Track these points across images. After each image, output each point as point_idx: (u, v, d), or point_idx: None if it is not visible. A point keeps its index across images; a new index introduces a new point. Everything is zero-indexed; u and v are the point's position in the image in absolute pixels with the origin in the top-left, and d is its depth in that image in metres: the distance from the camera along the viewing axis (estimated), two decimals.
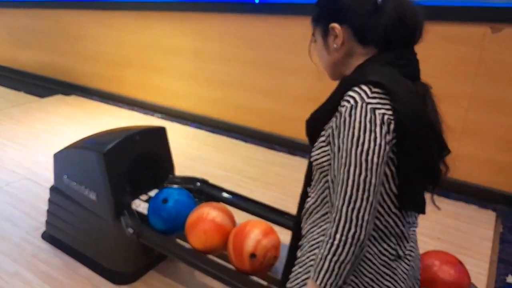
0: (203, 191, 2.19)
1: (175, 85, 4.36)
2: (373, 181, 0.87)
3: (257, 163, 3.37)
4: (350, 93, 0.92)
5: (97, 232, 2.15)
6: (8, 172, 3.24)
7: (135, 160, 2.06)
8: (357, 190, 0.88)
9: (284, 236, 1.76)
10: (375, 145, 0.87)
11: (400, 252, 1.01)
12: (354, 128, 0.88)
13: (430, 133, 0.96)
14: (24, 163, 3.39)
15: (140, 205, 2.04)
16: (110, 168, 1.96)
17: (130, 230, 1.93)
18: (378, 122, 0.88)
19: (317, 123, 1.01)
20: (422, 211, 1.00)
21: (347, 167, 0.88)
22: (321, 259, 0.92)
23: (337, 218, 0.89)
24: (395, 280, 1.00)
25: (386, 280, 0.99)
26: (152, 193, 2.13)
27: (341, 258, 0.89)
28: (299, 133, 3.47)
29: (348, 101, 0.90)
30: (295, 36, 3.30)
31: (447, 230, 2.52)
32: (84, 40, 4.98)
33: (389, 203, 0.95)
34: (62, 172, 2.24)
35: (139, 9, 4.29)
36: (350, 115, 0.89)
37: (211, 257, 1.75)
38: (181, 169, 2.46)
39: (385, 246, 0.98)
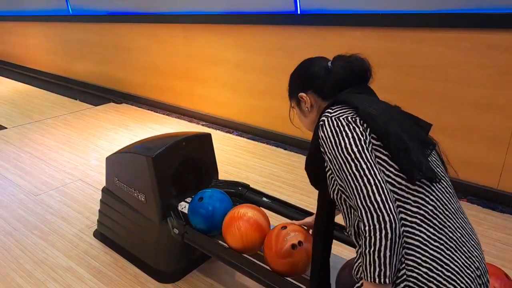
0: (244, 195, 2.25)
1: (218, 94, 4.49)
2: (364, 166, 0.98)
3: (296, 170, 3.40)
4: (320, 119, 1.11)
5: (144, 232, 2.26)
6: (64, 174, 3.46)
7: (181, 164, 2.15)
8: (357, 180, 0.97)
9: None
10: (348, 139, 1.01)
11: (452, 235, 0.98)
12: (329, 137, 1.04)
13: (402, 118, 1.09)
14: (78, 166, 3.61)
15: (186, 207, 2.12)
16: (159, 171, 2.06)
17: (176, 231, 2.02)
18: (344, 122, 1.04)
19: (312, 163, 1.17)
20: (433, 175, 1.02)
21: (341, 168, 1.01)
22: (363, 257, 0.95)
23: (359, 214, 0.96)
24: (457, 272, 0.95)
25: (447, 270, 0.95)
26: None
27: (377, 246, 0.91)
28: None
29: (319, 124, 1.09)
30: (334, 46, 3.33)
31: (493, 242, 2.43)
32: (134, 51, 5.23)
33: (402, 182, 1.00)
34: (113, 175, 2.37)
35: (184, 22, 4.46)
36: (324, 131, 1.06)
37: (251, 258, 1.80)
38: (223, 174, 2.53)
39: (432, 230, 0.97)
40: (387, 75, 3.09)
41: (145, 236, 2.27)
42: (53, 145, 4.10)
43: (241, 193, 2.26)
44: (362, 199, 0.95)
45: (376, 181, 0.95)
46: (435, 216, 1.00)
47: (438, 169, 1.09)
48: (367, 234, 0.93)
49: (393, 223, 0.92)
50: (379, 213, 0.92)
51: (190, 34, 4.49)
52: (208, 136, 2.31)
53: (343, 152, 1.00)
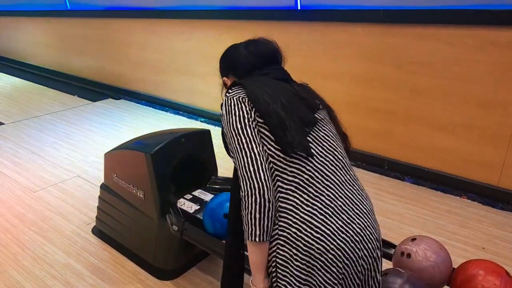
0: None
1: (217, 91, 4.45)
2: (243, 140, 1.11)
3: None
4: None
5: (143, 229, 2.25)
6: (63, 170, 3.45)
7: (180, 161, 2.14)
8: (237, 152, 1.11)
9: None
10: (236, 116, 1.14)
11: (329, 203, 1.10)
12: (224, 114, 1.18)
13: (292, 100, 1.19)
14: (76, 162, 3.59)
15: (184, 204, 2.11)
16: (157, 168, 2.04)
17: (175, 228, 2.01)
18: (234, 102, 1.17)
19: (222, 136, 1.24)
20: (306, 152, 1.12)
21: (230, 142, 1.14)
22: (242, 219, 1.10)
23: (240, 182, 1.10)
24: (328, 234, 1.07)
25: (316, 232, 1.07)
26: (196, 193, 2.20)
27: (249, 209, 1.06)
28: None
29: (221, 103, 1.22)
30: (334, 42, 3.30)
31: (492, 240, 2.43)
32: (133, 47, 5.20)
33: (280, 154, 1.11)
34: (111, 171, 2.35)
35: (183, 17, 4.43)
36: (222, 109, 1.20)
37: None
38: (222, 171, 2.52)
39: (306, 196, 1.10)
40: (388, 71, 3.07)
41: (143, 233, 2.26)
42: (51, 141, 4.08)
43: None
44: (241, 169, 1.08)
45: (252, 153, 1.09)
46: (311, 185, 1.11)
47: (324, 144, 1.18)
48: (243, 199, 1.07)
49: (261, 189, 1.06)
50: (250, 181, 1.06)
51: (189, 30, 4.46)
52: (207, 132, 2.30)
53: (231, 128, 1.13)
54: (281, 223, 1.09)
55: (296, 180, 1.11)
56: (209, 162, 2.33)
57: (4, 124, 4.63)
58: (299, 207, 1.09)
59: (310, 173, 1.12)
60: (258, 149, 1.10)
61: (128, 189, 2.23)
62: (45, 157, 3.70)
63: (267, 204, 1.06)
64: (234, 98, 1.18)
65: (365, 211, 1.17)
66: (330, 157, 1.17)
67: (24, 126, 4.54)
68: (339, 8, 3.23)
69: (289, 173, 1.11)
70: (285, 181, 1.11)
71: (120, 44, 5.36)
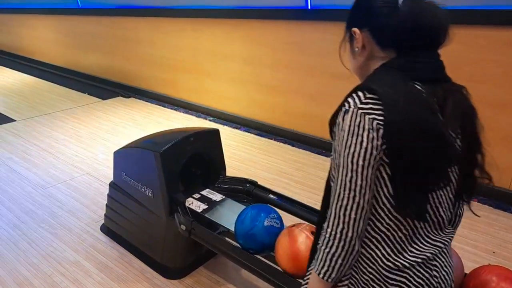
0: (252, 192, 2.23)
1: (226, 89, 4.47)
2: (358, 182, 0.92)
3: (303, 167, 3.37)
4: (348, 98, 0.95)
5: (151, 227, 2.26)
6: (72, 168, 3.47)
7: (189, 160, 2.14)
8: (344, 189, 0.94)
9: None
10: (360, 148, 0.91)
11: (410, 258, 0.99)
12: (344, 131, 0.93)
13: (430, 139, 0.92)
14: (86, 160, 3.61)
15: (193, 203, 2.11)
16: (166, 167, 2.05)
17: (183, 227, 2.01)
18: (366, 126, 0.90)
19: (331, 124, 1.04)
20: (419, 218, 0.97)
21: (338, 168, 0.95)
22: (318, 249, 1.00)
23: (329, 213, 0.98)
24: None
25: (391, 285, 0.99)
26: (205, 192, 2.20)
27: (332, 250, 0.96)
28: None
29: (344, 105, 0.95)
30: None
31: (503, 244, 2.39)
32: (142, 45, 5.22)
33: (389, 206, 0.96)
34: (120, 169, 2.36)
35: (193, 16, 4.43)
36: (343, 119, 0.93)
37: (258, 256, 1.78)
38: (231, 170, 2.52)
39: (388, 250, 0.99)
40: None
41: (152, 231, 2.27)
42: (61, 138, 4.12)
43: (248, 190, 2.24)
44: (338, 206, 0.95)
45: (360, 200, 0.93)
46: (400, 242, 0.99)
47: (437, 203, 1.00)
48: (328, 236, 0.97)
49: (354, 240, 0.95)
50: (344, 227, 0.94)
51: (198, 28, 4.47)
52: (216, 131, 2.29)
53: (349, 157, 0.92)
54: (354, 268, 1.02)
55: (388, 233, 0.98)
56: (218, 161, 2.33)
57: (15, 121, 4.68)
58: (378, 259, 0.99)
59: (405, 232, 0.98)
60: (369, 196, 0.94)
61: (137, 187, 2.23)
62: (55, 154, 3.73)
63: (354, 254, 0.97)
64: (367, 118, 0.90)
65: (447, 283, 1.06)
66: (437, 218, 1.02)
67: (35, 123, 4.59)
68: (349, 8, 3.21)
69: (384, 224, 0.98)
70: (375, 229, 0.98)
71: (130, 42, 5.39)
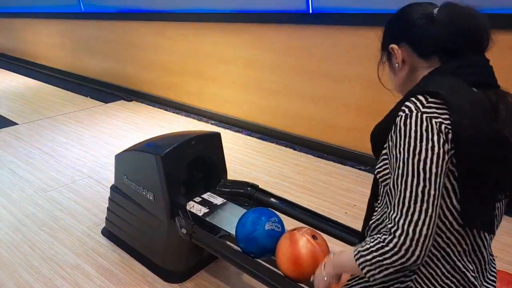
0: (253, 196, 2.23)
1: (228, 93, 4.47)
2: (432, 192, 0.83)
3: (305, 170, 3.37)
4: (406, 103, 0.90)
5: (152, 231, 2.25)
6: (73, 171, 3.48)
7: (190, 163, 2.14)
8: (415, 202, 0.84)
9: (331, 244, 1.76)
10: (432, 154, 0.83)
11: (470, 276, 0.94)
12: (410, 137, 0.85)
13: (498, 146, 0.87)
14: (88, 163, 3.62)
15: (194, 207, 2.11)
16: (167, 170, 2.05)
17: (184, 231, 2.00)
18: (435, 130, 0.84)
19: (378, 135, 0.99)
20: (489, 230, 0.92)
21: (404, 178, 0.85)
22: (369, 248, 0.91)
23: (393, 229, 0.87)
24: None
25: None
26: (206, 196, 2.20)
27: (385, 262, 0.88)
28: (349, 142, 3.45)
29: (403, 111, 0.88)
30: (346, 45, 3.28)
31: (506, 248, 2.38)
32: (145, 49, 5.24)
33: (451, 219, 0.89)
34: (122, 173, 2.36)
35: (195, 20, 4.45)
36: (405, 124, 0.86)
37: (259, 261, 1.78)
38: (231, 173, 2.52)
39: (448, 267, 0.93)
40: None
41: (153, 235, 2.27)
42: (63, 142, 4.13)
43: (250, 194, 2.24)
44: (407, 222, 0.85)
45: (433, 214, 0.84)
46: (460, 259, 0.94)
47: (498, 215, 0.96)
48: (387, 248, 0.87)
49: (419, 259, 0.85)
50: (412, 245, 0.84)
51: (200, 32, 4.48)
52: (218, 135, 2.29)
53: (418, 164, 0.83)
54: (409, 283, 0.96)
55: (448, 249, 0.93)
56: (219, 164, 2.32)
57: (18, 124, 4.70)
58: (437, 278, 0.94)
59: (465, 247, 0.93)
60: (438, 208, 0.86)
61: (138, 191, 2.24)
62: (57, 158, 3.74)
63: (409, 269, 0.92)
64: (434, 122, 0.85)
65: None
66: (495, 229, 0.99)
67: (37, 126, 4.60)
68: (351, 12, 3.21)
69: (444, 239, 0.92)
70: (435, 245, 0.92)
71: (132, 46, 5.41)
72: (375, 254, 0.89)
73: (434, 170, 0.83)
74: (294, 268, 1.61)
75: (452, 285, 0.93)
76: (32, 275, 2.26)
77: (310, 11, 3.44)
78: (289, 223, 1.99)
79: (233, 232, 1.87)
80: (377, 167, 1.00)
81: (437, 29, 0.93)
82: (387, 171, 0.96)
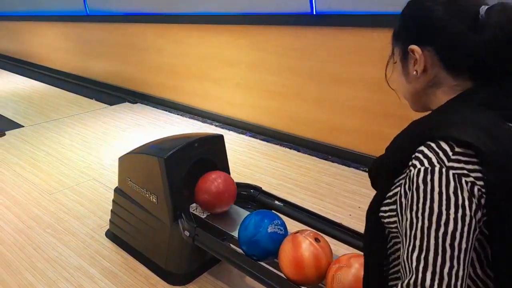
0: (256, 198, 2.22)
1: (232, 95, 4.48)
2: (460, 273, 0.62)
3: (309, 172, 3.36)
4: (424, 150, 0.68)
5: (156, 233, 2.26)
6: (78, 173, 3.49)
7: (193, 165, 2.14)
8: (435, 263, 0.63)
9: (335, 247, 1.75)
10: (463, 225, 0.63)
11: None
12: (432, 200, 0.64)
13: None
14: (92, 165, 3.63)
15: (197, 209, 2.11)
16: (171, 173, 2.05)
17: (187, 233, 2.00)
18: (466, 194, 0.64)
19: (378, 173, 0.81)
20: None
21: (424, 254, 0.64)
22: None
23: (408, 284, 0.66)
24: None
25: None
26: None
27: None
28: (353, 144, 3.43)
29: (422, 162, 0.67)
30: (350, 47, 3.27)
31: None
32: (149, 51, 5.26)
33: (486, 279, 0.70)
34: (125, 175, 2.37)
35: (198, 22, 4.46)
36: (425, 183, 0.66)
37: (262, 264, 1.77)
38: (235, 175, 2.51)
39: None
40: None
41: (156, 237, 2.27)
42: (68, 144, 4.15)
43: (253, 196, 2.23)
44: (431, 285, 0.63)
45: (457, 283, 0.62)
46: None
47: None
48: None
49: None
50: None
51: (204, 35, 4.49)
52: (221, 137, 2.29)
53: (444, 238, 0.63)
54: None
55: None
56: (222, 167, 2.32)
57: (24, 126, 4.73)
58: None
59: None
60: (465, 273, 0.64)
61: (141, 193, 2.24)
62: (62, 160, 3.76)
63: None
64: (462, 180, 0.65)
65: None
66: None
67: (42, 128, 4.63)
68: (355, 14, 3.20)
69: None
70: None
71: (136, 49, 5.43)
72: None
73: (464, 246, 0.63)
74: (296, 271, 1.60)
75: None
76: (36, 276, 2.27)
77: (314, 13, 3.44)
78: (292, 225, 1.98)
79: (235, 234, 1.87)
80: (382, 209, 0.78)
81: (483, 39, 0.70)
82: (393, 219, 0.76)
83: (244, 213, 2.08)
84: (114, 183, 2.57)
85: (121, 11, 5.40)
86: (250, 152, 3.82)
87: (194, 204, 2.14)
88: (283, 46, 3.80)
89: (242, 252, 1.82)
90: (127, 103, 5.51)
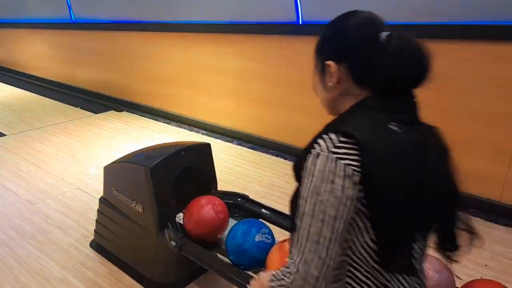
0: (243, 207, 2.22)
1: (219, 103, 4.47)
2: (327, 235, 0.82)
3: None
4: (319, 140, 0.87)
5: (141, 243, 2.22)
6: (62, 182, 3.43)
7: (180, 174, 2.12)
8: (307, 242, 0.83)
9: None
10: (333, 198, 0.81)
11: None
12: (314, 176, 0.83)
13: (415, 189, 0.85)
14: (77, 174, 3.58)
15: (184, 218, 2.09)
16: (156, 182, 2.03)
17: (173, 243, 1.98)
18: (340, 173, 0.81)
19: (297, 168, 0.94)
20: (406, 271, 0.90)
21: (304, 216, 0.84)
22: (276, 275, 0.90)
23: (289, 263, 0.86)
24: None
25: None
26: None
27: None
28: None
29: (314, 147, 0.86)
30: None
31: (496, 257, 2.39)
32: (135, 59, 5.23)
33: (366, 256, 0.87)
34: (111, 184, 2.34)
35: (185, 31, 4.46)
36: (313, 164, 0.85)
37: (249, 273, 1.76)
38: (222, 184, 2.51)
39: None
40: None
41: (142, 247, 2.24)
42: (52, 153, 4.08)
43: (240, 204, 2.23)
44: (299, 259, 0.84)
45: (327, 257, 0.82)
46: None
47: (417, 251, 0.94)
48: (285, 282, 0.86)
49: None
50: (305, 285, 0.83)
51: (192, 43, 4.49)
52: (207, 145, 2.29)
53: (318, 206, 0.82)
54: None
55: (369, 282, 0.90)
56: (209, 175, 2.31)
57: (6, 135, 4.64)
58: None
59: (385, 282, 0.90)
60: (336, 252, 0.84)
61: (127, 202, 2.21)
62: (46, 169, 3.70)
63: None
64: (341, 164, 0.82)
65: None
66: (418, 266, 0.96)
67: (26, 137, 4.55)
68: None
69: (363, 272, 0.89)
70: (356, 280, 0.90)
71: (123, 57, 5.40)
72: (278, 283, 0.88)
73: (332, 213, 0.81)
74: None
75: None
76: None
77: (300, 22, 3.47)
78: (280, 233, 1.98)
79: (223, 243, 1.85)
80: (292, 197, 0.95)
81: (385, 62, 0.86)
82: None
83: (231, 222, 2.07)
84: (99, 192, 2.54)
85: (106, 19, 5.37)
86: (237, 160, 3.82)
87: (180, 214, 2.12)
88: (270, 54, 3.82)
89: (229, 262, 1.81)
90: (112, 111, 5.46)
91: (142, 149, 2.44)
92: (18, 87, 6.97)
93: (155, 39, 4.88)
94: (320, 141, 0.86)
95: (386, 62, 0.87)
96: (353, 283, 0.90)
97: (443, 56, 2.86)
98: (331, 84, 0.95)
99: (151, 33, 4.89)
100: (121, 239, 2.35)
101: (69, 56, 6.39)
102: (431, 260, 1.55)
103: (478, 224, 2.71)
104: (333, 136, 0.86)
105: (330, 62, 0.93)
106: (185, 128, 4.75)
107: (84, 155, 4.03)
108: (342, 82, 0.94)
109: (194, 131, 4.64)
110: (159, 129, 4.76)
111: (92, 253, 2.51)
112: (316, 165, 0.84)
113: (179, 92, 4.87)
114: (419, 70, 0.88)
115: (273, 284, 0.90)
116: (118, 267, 2.37)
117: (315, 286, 0.83)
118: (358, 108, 0.91)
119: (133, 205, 2.17)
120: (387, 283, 0.89)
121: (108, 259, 2.44)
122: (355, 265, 0.89)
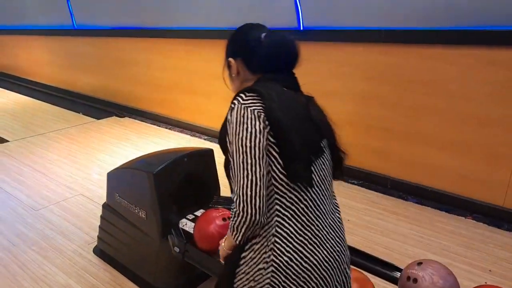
0: None
1: (220, 108, 4.45)
2: (249, 161, 1.08)
3: None
4: (233, 100, 1.16)
5: (144, 249, 2.23)
6: (65, 188, 3.44)
7: (183, 180, 2.13)
8: (239, 171, 1.09)
9: None
10: (247, 132, 1.09)
11: (318, 233, 1.14)
12: (233, 123, 1.11)
13: (304, 120, 1.17)
14: (80, 180, 3.58)
15: (186, 225, 2.09)
16: (160, 188, 2.04)
17: (177, 249, 1.98)
18: (249, 115, 1.10)
19: (222, 135, 1.19)
20: (308, 183, 1.14)
21: (233, 155, 1.11)
22: (230, 221, 1.15)
23: (233, 197, 1.11)
24: (314, 265, 1.12)
25: (305, 262, 1.12)
26: (198, 213, 2.18)
27: (237, 225, 1.11)
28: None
29: (231, 106, 1.15)
30: (336, 61, 3.33)
31: (499, 262, 2.38)
32: (137, 65, 5.25)
33: (284, 179, 1.12)
34: (114, 190, 2.34)
35: (186, 37, 4.49)
36: (231, 115, 1.13)
37: None
38: (225, 189, 2.51)
39: (299, 225, 1.13)
40: (388, 90, 3.08)
41: (145, 253, 2.24)
42: (55, 159, 4.09)
43: None
44: (238, 187, 1.08)
45: (253, 177, 1.07)
46: (305, 214, 1.14)
47: (321, 173, 1.20)
48: (234, 215, 1.11)
49: (254, 216, 1.08)
50: (245, 204, 1.07)
51: (192, 49, 4.51)
52: (210, 152, 2.29)
53: (239, 142, 1.09)
54: (276, 249, 1.12)
55: (293, 207, 1.13)
56: (212, 181, 2.32)
57: (8, 141, 4.66)
58: (293, 235, 1.12)
59: (306, 203, 1.14)
60: (262, 172, 1.09)
61: (130, 208, 2.22)
62: (49, 175, 3.70)
63: (255, 225, 1.10)
64: (249, 109, 1.11)
65: (342, 237, 1.25)
66: (323, 186, 1.20)
67: (28, 143, 4.56)
68: (340, 29, 3.27)
69: (288, 199, 1.13)
70: (283, 206, 1.13)
71: (125, 63, 5.42)
72: (232, 222, 1.12)
73: (248, 144, 1.08)
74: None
75: (305, 241, 1.13)
76: None
77: (301, 28, 3.49)
78: None
79: None
80: (225, 163, 1.19)
81: (262, 52, 1.21)
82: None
83: None
84: (102, 198, 2.54)
85: (109, 26, 5.40)
86: None
87: (183, 220, 2.12)
88: None
89: None
90: (115, 117, 5.48)
91: (145, 155, 2.45)
92: (20, 93, 7.00)
93: (156, 45, 4.91)
94: (234, 101, 1.15)
95: (264, 51, 1.21)
96: (283, 210, 1.13)
97: (441, 60, 2.87)
98: (234, 75, 1.27)
99: (152, 39, 4.91)
100: (124, 245, 2.35)
101: (71, 62, 6.42)
102: (437, 266, 1.56)
103: (482, 229, 2.73)
104: (241, 94, 1.16)
105: (230, 59, 1.27)
106: (187, 134, 4.76)
107: (87, 161, 4.04)
108: (241, 72, 1.26)
109: (196, 137, 4.65)
110: (161, 135, 4.76)
111: (95, 259, 2.51)
112: (233, 115, 1.12)
113: (181, 98, 4.89)
114: (288, 54, 1.24)
115: (230, 224, 1.14)
116: (121, 273, 2.37)
117: (252, 203, 1.07)
118: (256, 82, 1.22)
119: (136, 211, 2.17)
120: (306, 203, 1.14)
121: (111, 265, 2.44)
122: (280, 192, 1.12)
